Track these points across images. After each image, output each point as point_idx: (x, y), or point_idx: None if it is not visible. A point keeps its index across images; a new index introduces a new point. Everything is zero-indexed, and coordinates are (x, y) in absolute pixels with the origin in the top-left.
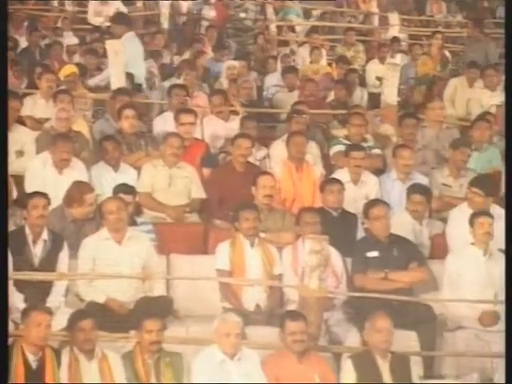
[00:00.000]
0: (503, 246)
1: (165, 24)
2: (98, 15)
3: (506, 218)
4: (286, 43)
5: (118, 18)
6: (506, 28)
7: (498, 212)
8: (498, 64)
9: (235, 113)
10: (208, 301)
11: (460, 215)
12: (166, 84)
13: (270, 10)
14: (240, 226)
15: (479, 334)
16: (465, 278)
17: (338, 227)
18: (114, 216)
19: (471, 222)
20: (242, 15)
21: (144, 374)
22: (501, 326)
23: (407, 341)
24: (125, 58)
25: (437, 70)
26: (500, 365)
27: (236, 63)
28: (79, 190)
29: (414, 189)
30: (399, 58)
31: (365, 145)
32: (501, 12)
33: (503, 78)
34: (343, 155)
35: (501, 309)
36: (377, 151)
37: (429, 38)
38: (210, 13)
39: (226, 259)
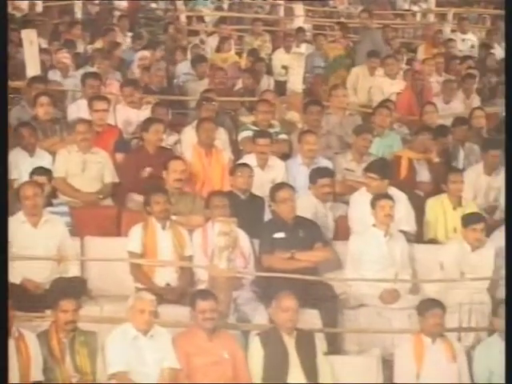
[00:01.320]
0: (403, 227)
1: (78, 14)
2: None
3: (506, 216)
4: (195, 33)
5: None
6: (506, 28)
7: (397, 194)
8: (399, 53)
9: (148, 102)
10: (121, 281)
11: (360, 199)
12: (80, 72)
13: (179, 0)
14: (152, 209)
15: (380, 311)
16: (367, 258)
17: (245, 210)
18: (30, 202)
19: (373, 205)
20: (153, 5)
21: (59, 352)
22: (401, 303)
23: (312, 318)
24: None
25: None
26: (400, 340)
27: (147, 52)
28: None
29: (316, 173)
30: (304, 48)
31: (272, 131)
32: (400, 4)
33: (403, 66)
34: (251, 141)
35: (401, 287)
36: (283, 136)
37: (332, 28)
38: (121, 3)
39: (138, 241)
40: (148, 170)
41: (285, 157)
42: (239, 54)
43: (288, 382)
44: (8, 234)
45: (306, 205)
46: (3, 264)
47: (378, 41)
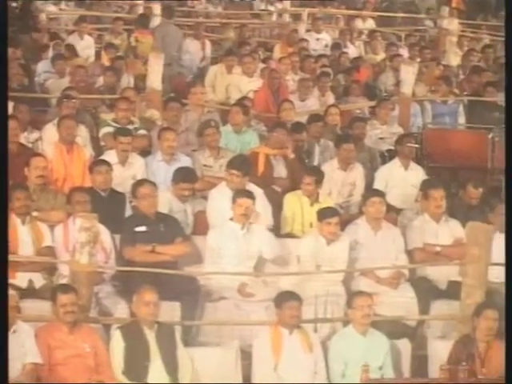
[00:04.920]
0: (260, 222)
1: None
2: None
3: (507, 216)
4: (56, 31)
5: None
6: (506, 29)
7: (254, 190)
8: (255, 52)
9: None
10: None
11: (218, 194)
12: None
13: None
14: (12, 205)
15: (239, 304)
16: (225, 251)
17: (106, 206)
18: None
19: (233, 200)
20: (13, 4)
21: None
22: (258, 296)
23: (172, 311)
24: None
25: None
26: (258, 332)
27: (9, 51)
28: None
29: (180, 175)
30: None
31: (131, 127)
32: (257, 4)
33: (260, 65)
34: (111, 137)
35: (258, 280)
36: (143, 132)
37: (190, 27)
38: None
39: None
40: None
41: (145, 153)
42: (99, 52)
43: (149, 373)
44: (8, 234)
45: (167, 200)
46: (3, 265)
47: (173, 35)
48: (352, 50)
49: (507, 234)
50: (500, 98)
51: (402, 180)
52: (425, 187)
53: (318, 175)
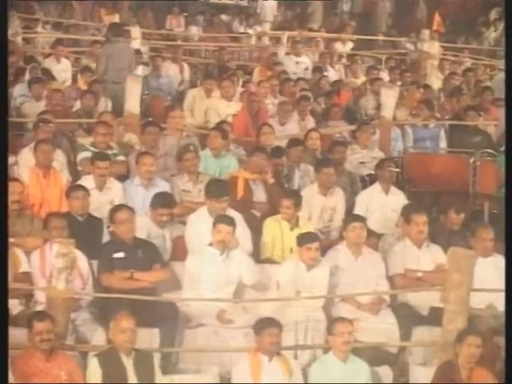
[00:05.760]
0: (242, 247)
1: None
2: None
3: (506, 219)
4: (33, 54)
5: None
6: (506, 30)
7: (234, 215)
8: (234, 75)
9: None
10: None
11: (197, 219)
12: None
13: (16, 22)
14: None
15: (218, 331)
16: (204, 277)
17: (84, 231)
18: None
19: (213, 225)
20: None
21: None
22: (237, 322)
23: (150, 337)
24: None
25: None
26: (238, 359)
27: None
28: None
29: (158, 200)
30: (141, 70)
31: (110, 152)
32: (236, 26)
33: (239, 89)
34: (89, 162)
35: (236, 306)
36: (121, 158)
37: (169, 50)
38: None
39: None
40: None
41: (123, 178)
42: (76, 75)
43: None
44: (8, 236)
45: (144, 225)
46: (3, 267)
47: (121, 53)
48: (332, 74)
49: (507, 234)
50: (481, 122)
51: (382, 205)
52: (406, 212)
53: (296, 198)
